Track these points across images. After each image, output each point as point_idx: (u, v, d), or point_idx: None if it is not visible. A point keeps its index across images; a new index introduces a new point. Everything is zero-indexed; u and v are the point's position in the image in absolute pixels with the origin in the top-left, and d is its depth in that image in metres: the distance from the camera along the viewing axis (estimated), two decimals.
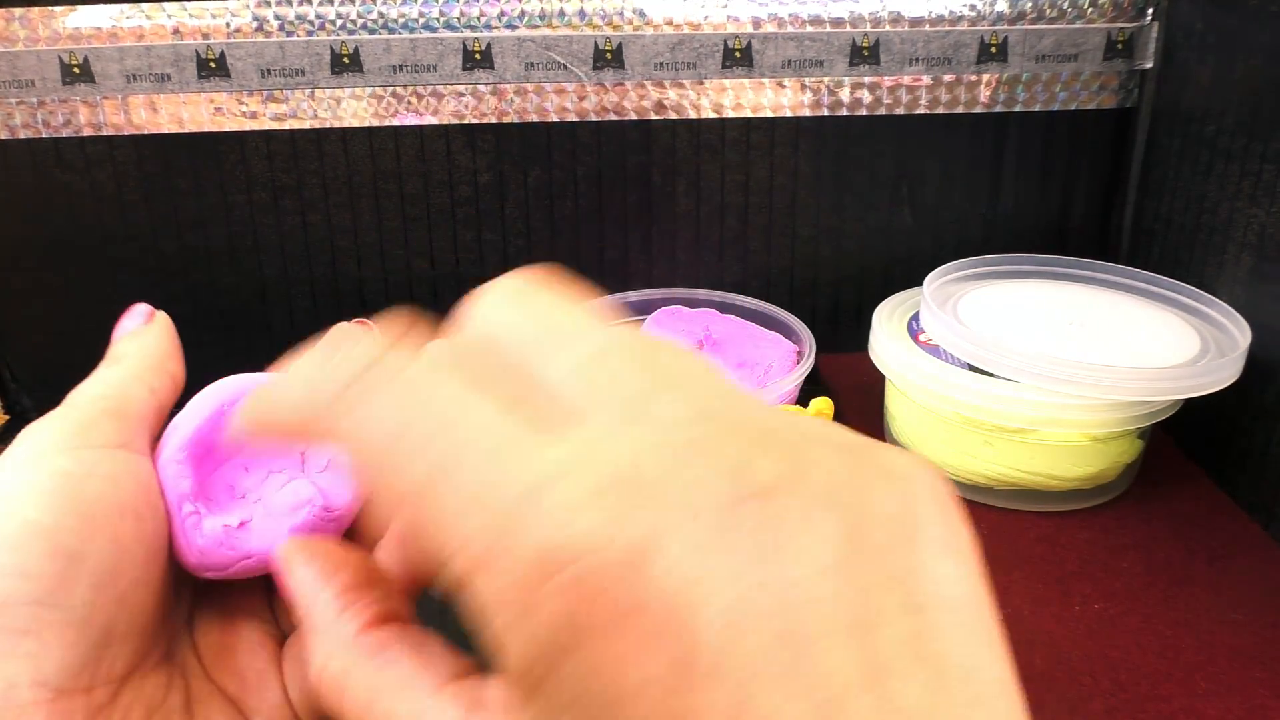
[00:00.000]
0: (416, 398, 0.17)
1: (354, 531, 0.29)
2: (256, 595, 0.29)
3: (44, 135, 0.53)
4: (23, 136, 0.53)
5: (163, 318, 0.29)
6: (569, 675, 0.15)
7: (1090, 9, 0.55)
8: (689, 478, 0.15)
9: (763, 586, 0.15)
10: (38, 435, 0.24)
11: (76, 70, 0.52)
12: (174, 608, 0.27)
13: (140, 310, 0.30)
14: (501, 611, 0.16)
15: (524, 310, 0.19)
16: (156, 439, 0.27)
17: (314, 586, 0.22)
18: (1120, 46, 0.56)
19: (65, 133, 0.53)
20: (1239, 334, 0.45)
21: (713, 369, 0.18)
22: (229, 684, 0.27)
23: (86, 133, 0.53)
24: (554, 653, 0.15)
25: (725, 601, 0.15)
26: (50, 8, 0.51)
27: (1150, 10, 0.55)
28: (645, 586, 0.15)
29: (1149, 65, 0.56)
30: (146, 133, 0.53)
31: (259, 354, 0.57)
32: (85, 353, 0.61)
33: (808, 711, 0.14)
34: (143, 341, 0.28)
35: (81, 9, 0.51)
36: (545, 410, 0.17)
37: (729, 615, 0.15)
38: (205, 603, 0.28)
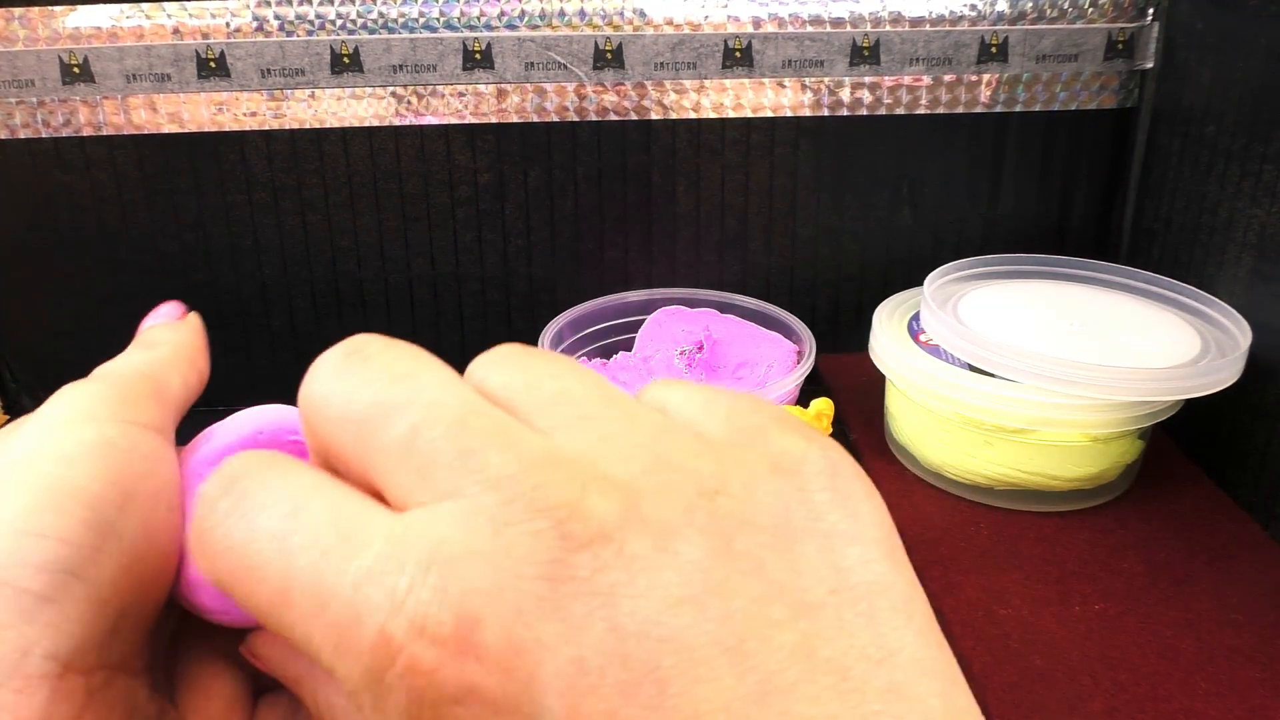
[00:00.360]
0: (271, 494, 0.18)
1: None
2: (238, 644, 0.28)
3: (44, 135, 0.53)
4: (23, 136, 0.53)
5: (195, 316, 0.29)
6: None
7: (1091, 9, 0.55)
8: (510, 539, 0.15)
9: (607, 635, 0.14)
10: (80, 398, 0.23)
11: (76, 70, 0.52)
12: (164, 623, 0.26)
13: (171, 307, 0.29)
14: (361, 705, 0.15)
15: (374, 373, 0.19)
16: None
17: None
18: (1121, 47, 0.56)
19: (65, 133, 0.53)
20: (1239, 334, 0.45)
21: (584, 385, 0.18)
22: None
23: (86, 133, 0.53)
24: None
25: (560, 663, 0.14)
26: (50, 7, 0.51)
27: (1151, 10, 0.55)
28: (477, 662, 0.14)
29: (1149, 65, 0.56)
30: (146, 133, 0.53)
31: (259, 354, 0.58)
32: (85, 353, 0.61)
33: None
34: (177, 332, 0.28)
35: (81, 9, 0.51)
36: (405, 486, 0.16)
37: (567, 677, 0.14)
38: (187, 635, 0.26)
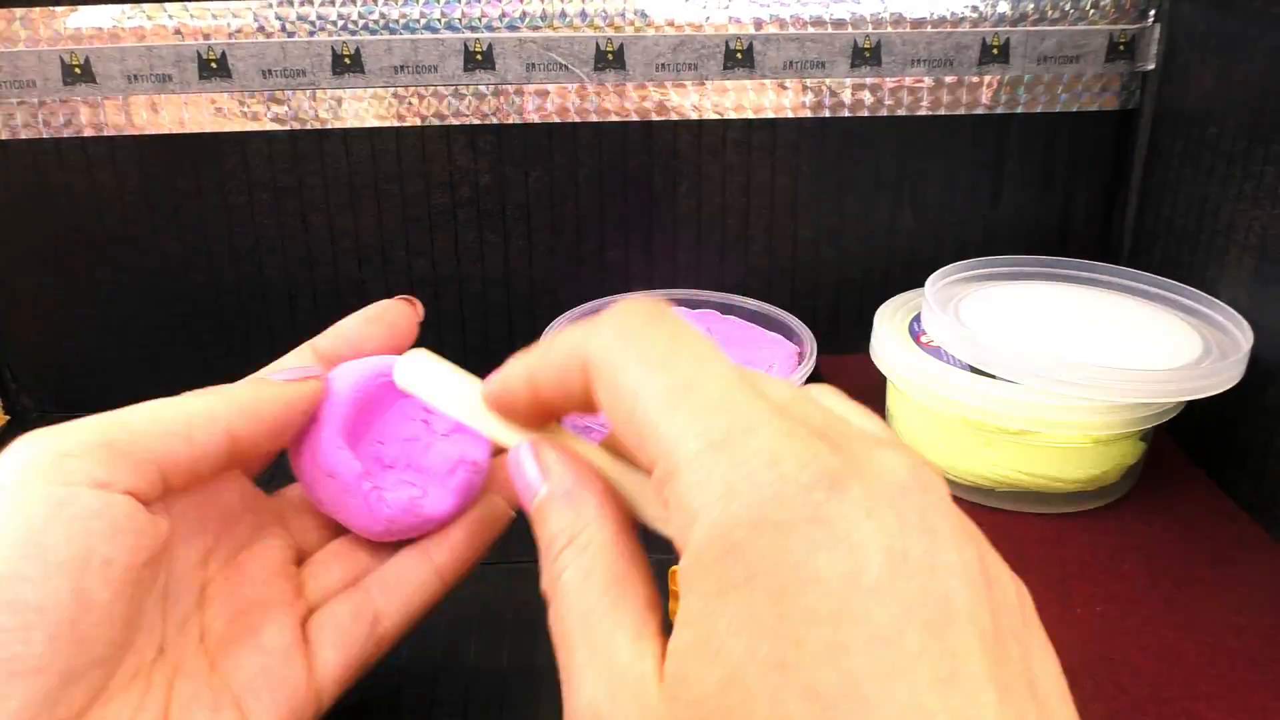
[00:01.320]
0: (672, 329, 0.22)
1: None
2: (278, 577, 0.30)
3: (45, 136, 0.53)
4: (24, 137, 0.53)
5: (309, 388, 0.29)
6: (753, 552, 0.19)
7: (1092, 10, 0.55)
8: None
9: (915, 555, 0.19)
10: (17, 460, 0.24)
11: (78, 70, 0.52)
12: (166, 611, 0.27)
13: (304, 368, 0.30)
14: (703, 494, 0.20)
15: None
16: (188, 486, 0.27)
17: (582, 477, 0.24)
18: (1122, 48, 0.56)
19: (66, 133, 0.53)
20: (1241, 336, 0.45)
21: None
22: (243, 670, 0.27)
23: (88, 133, 0.53)
24: (744, 531, 0.19)
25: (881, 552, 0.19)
26: (51, 8, 0.51)
27: (1152, 12, 0.55)
28: (836, 508, 0.19)
29: (1151, 67, 0.56)
30: (148, 133, 0.53)
31: (260, 355, 0.57)
32: (86, 353, 0.61)
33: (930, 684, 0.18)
34: (239, 395, 0.28)
35: (83, 9, 0.51)
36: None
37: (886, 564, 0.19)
38: (223, 587, 0.29)
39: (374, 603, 0.30)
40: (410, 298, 0.34)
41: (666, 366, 0.21)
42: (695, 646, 0.19)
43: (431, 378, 0.29)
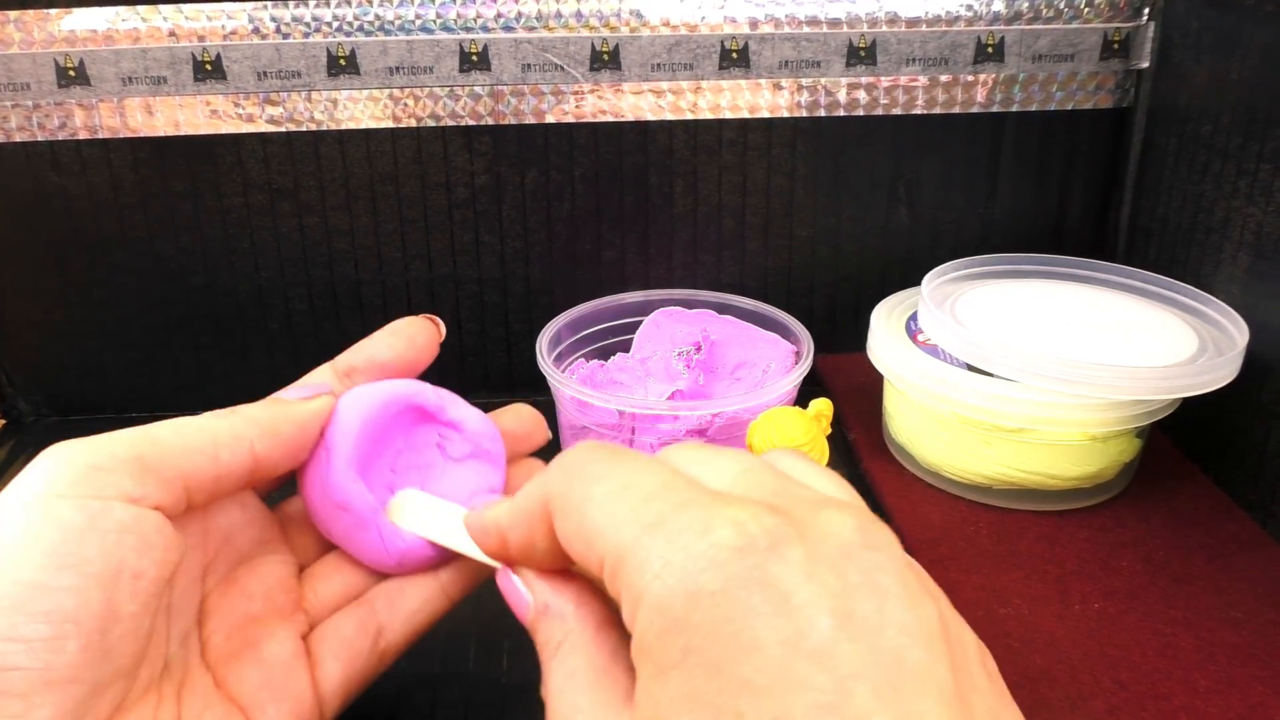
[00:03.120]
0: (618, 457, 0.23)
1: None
2: (277, 591, 0.30)
3: (39, 139, 0.53)
4: (18, 140, 0.53)
5: (322, 405, 0.30)
6: (690, 625, 0.19)
7: (1086, 9, 0.55)
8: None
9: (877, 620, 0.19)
10: (50, 471, 0.24)
11: (72, 73, 0.52)
12: (171, 623, 0.27)
13: (318, 385, 0.31)
14: (642, 575, 0.20)
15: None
16: (208, 503, 0.27)
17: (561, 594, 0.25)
18: (1116, 46, 0.56)
19: (61, 136, 0.53)
20: (1237, 333, 0.45)
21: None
22: (247, 683, 0.28)
23: (82, 136, 0.53)
24: (680, 604, 0.19)
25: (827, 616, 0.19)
26: (45, 10, 0.51)
27: (1146, 10, 0.55)
28: (773, 570, 0.19)
29: (1145, 65, 0.56)
30: (143, 135, 0.53)
31: (256, 356, 0.57)
32: (82, 357, 0.61)
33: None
34: (258, 415, 0.28)
35: (77, 11, 0.51)
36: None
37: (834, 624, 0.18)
38: (221, 602, 0.29)
39: (378, 617, 0.30)
40: (433, 316, 0.34)
41: (605, 478, 0.22)
42: None
43: (423, 512, 0.30)
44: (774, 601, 0.19)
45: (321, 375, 0.32)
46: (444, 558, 0.30)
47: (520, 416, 0.34)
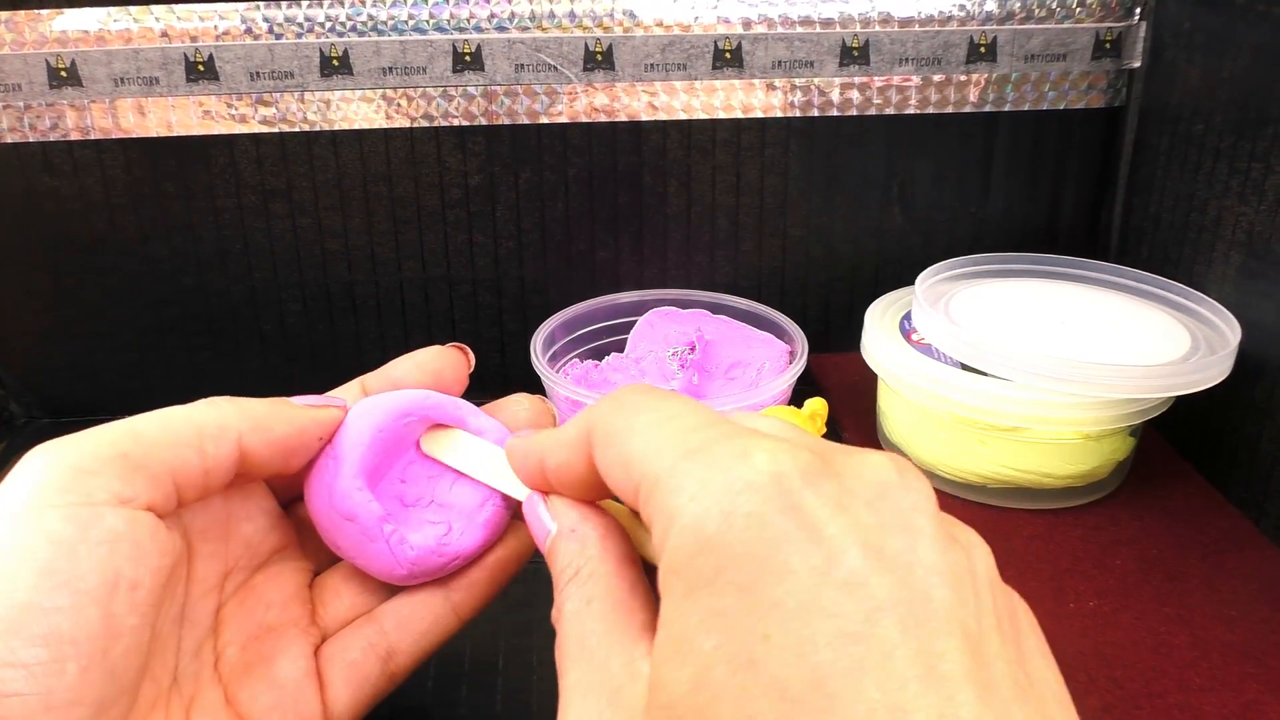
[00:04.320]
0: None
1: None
2: (294, 600, 0.30)
3: (31, 140, 0.52)
4: (9, 141, 0.52)
5: (325, 415, 0.29)
6: (723, 545, 0.19)
7: (1078, 9, 0.55)
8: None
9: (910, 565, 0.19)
10: (35, 478, 0.23)
11: (64, 74, 0.52)
12: (181, 636, 0.27)
13: (329, 396, 0.30)
14: (677, 497, 0.20)
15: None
16: (197, 499, 0.26)
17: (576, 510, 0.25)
18: (1108, 46, 0.56)
19: (53, 137, 0.53)
20: (1229, 331, 0.45)
21: None
22: (258, 703, 0.27)
23: (74, 137, 0.53)
24: (714, 525, 0.19)
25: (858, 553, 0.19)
26: (37, 10, 0.51)
27: (1138, 10, 0.55)
28: (808, 499, 0.19)
29: (1137, 65, 0.56)
30: (135, 136, 0.53)
31: (249, 358, 0.57)
32: (74, 358, 0.61)
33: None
34: (254, 409, 0.28)
35: (68, 12, 0.51)
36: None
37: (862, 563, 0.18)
38: (238, 610, 0.28)
39: (388, 638, 0.29)
40: (463, 346, 0.33)
41: (649, 409, 0.22)
42: (667, 649, 0.19)
43: (458, 445, 0.30)
44: (806, 529, 0.19)
45: (351, 390, 0.31)
46: (460, 560, 0.30)
47: (519, 414, 0.34)
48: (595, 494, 0.25)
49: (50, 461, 0.24)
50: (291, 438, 0.28)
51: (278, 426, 0.28)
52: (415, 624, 0.30)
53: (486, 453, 0.30)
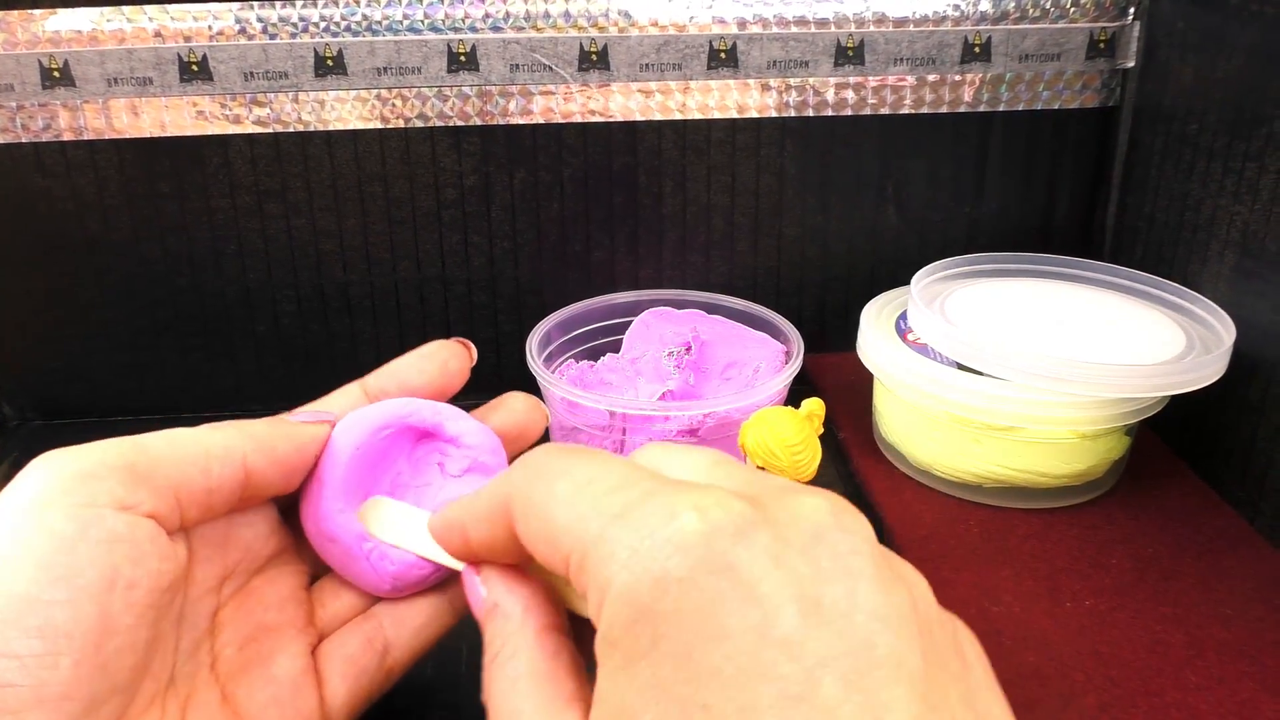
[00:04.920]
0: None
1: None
2: (291, 602, 0.30)
3: (23, 140, 0.52)
4: (2, 142, 0.52)
5: (321, 432, 0.29)
6: (659, 614, 0.18)
7: (1072, 8, 0.55)
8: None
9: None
10: (39, 480, 0.24)
11: (56, 74, 0.51)
12: (179, 637, 0.27)
13: (320, 412, 0.30)
14: (608, 566, 0.19)
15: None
16: (201, 519, 0.27)
17: (508, 587, 0.25)
18: (1102, 46, 0.56)
19: (45, 137, 0.52)
20: (1223, 330, 0.45)
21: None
22: (255, 700, 0.27)
23: (67, 137, 0.53)
24: (647, 593, 0.19)
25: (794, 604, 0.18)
26: (29, 10, 0.50)
27: (1132, 10, 0.55)
28: (740, 556, 0.19)
29: (1131, 64, 0.56)
30: (128, 137, 0.53)
31: (244, 359, 0.57)
32: (68, 360, 0.61)
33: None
34: (256, 430, 0.28)
35: (61, 12, 0.51)
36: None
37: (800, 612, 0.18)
38: (236, 613, 0.28)
39: (384, 633, 0.30)
40: (465, 341, 0.33)
41: (567, 474, 0.22)
42: None
43: (389, 518, 0.30)
44: (741, 588, 0.18)
45: (351, 394, 0.32)
46: (440, 577, 0.30)
47: (514, 412, 0.34)
48: (522, 559, 0.25)
49: (55, 467, 0.24)
50: (293, 456, 0.28)
51: (280, 445, 0.28)
52: (412, 620, 0.30)
53: (417, 523, 0.30)
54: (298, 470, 0.29)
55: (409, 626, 0.30)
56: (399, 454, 0.31)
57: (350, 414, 0.30)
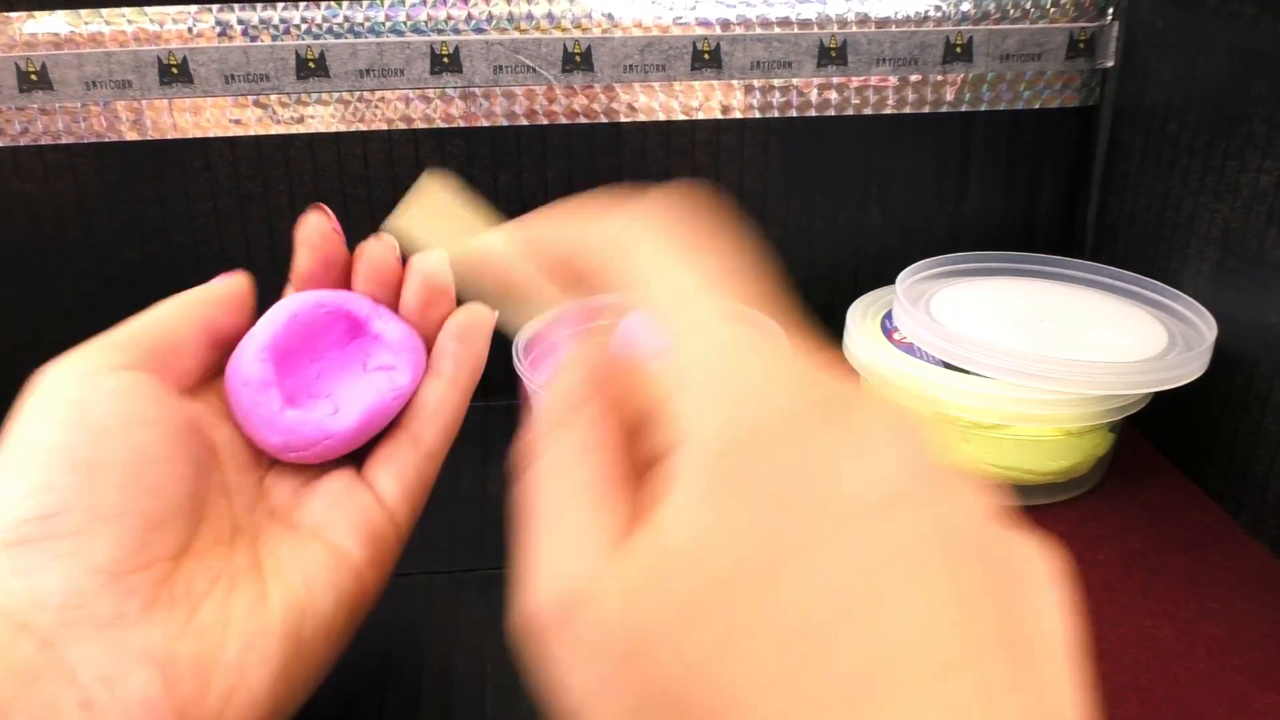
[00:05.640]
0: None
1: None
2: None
3: (1, 145, 0.52)
4: None
5: (238, 280, 0.34)
6: (766, 452, 0.18)
7: (1052, 9, 0.56)
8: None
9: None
10: (51, 374, 0.28)
11: (34, 77, 0.51)
12: (231, 503, 0.30)
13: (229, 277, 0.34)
14: (741, 397, 0.19)
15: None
16: (191, 364, 0.31)
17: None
18: (1082, 46, 0.57)
19: (23, 141, 0.52)
20: (1205, 327, 0.46)
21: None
22: (312, 511, 0.31)
23: (45, 141, 0.52)
24: (760, 430, 0.18)
25: None
26: (6, 14, 0.50)
27: (1111, 10, 0.56)
28: (855, 418, 0.19)
29: (1110, 64, 0.57)
30: (108, 140, 0.52)
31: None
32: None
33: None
34: (202, 291, 0.33)
35: (39, 15, 0.50)
36: None
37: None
38: (277, 481, 0.32)
39: (413, 428, 0.33)
40: (319, 205, 0.36)
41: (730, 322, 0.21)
42: (686, 544, 0.18)
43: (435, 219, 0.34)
44: (859, 447, 0.18)
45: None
46: (334, 438, 0.32)
47: (461, 314, 0.35)
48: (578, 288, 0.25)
49: (58, 362, 0.29)
50: (235, 306, 0.33)
51: (222, 295, 0.33)
52: (428, 406, 0.33)
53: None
54: (244, 318, 0.33)
55: (426, 414, 0.33)
56: (333, 344, 0.34)
57: (293, 295, 0.34)
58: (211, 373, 0.32)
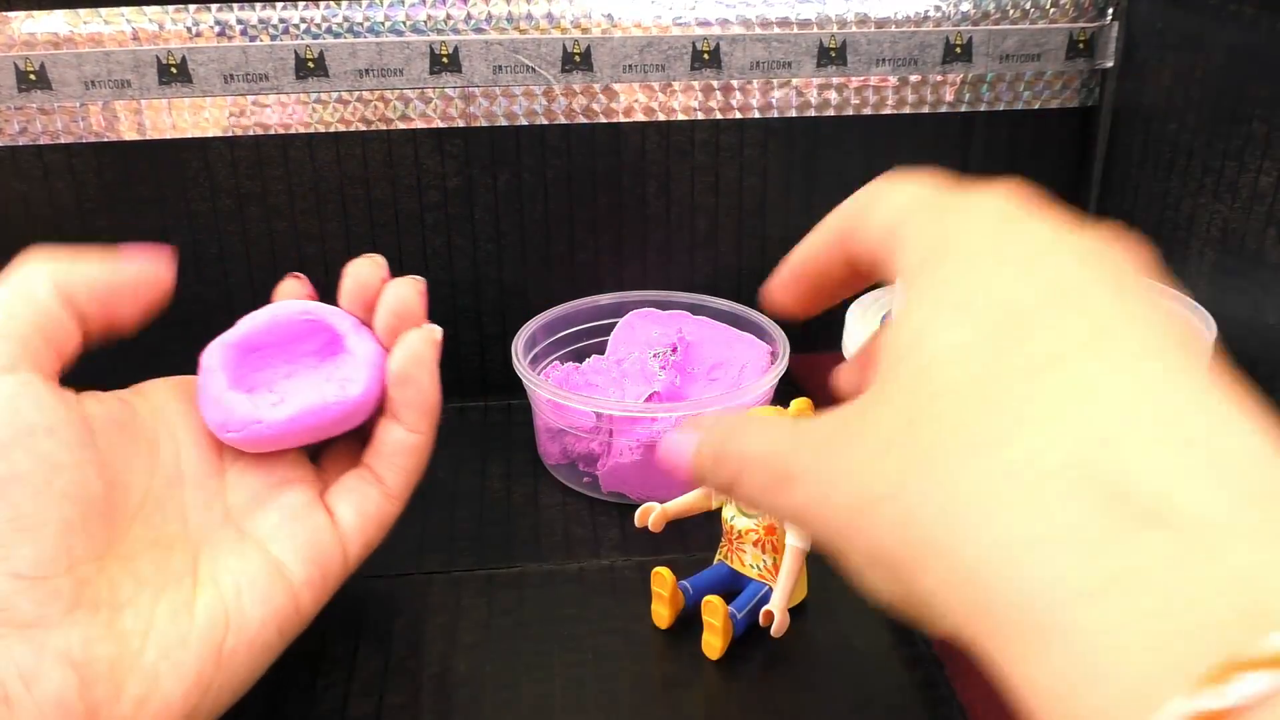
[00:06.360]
0: None
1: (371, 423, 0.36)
2: (296, 464, 0.35)
3: None
4: None
5: (142, 269, 0.34)
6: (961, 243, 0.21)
7: (1052, 9, 0.56)
8: None
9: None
10: None
11: (32, 77, 0.51)
12: (184, 496, 0.31)
13: (154, 256, 0.35)
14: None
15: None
16: (66, 346, 0.31)
17: None
18: (1082, 46, 0.57)
19: (21, 141, 0.52)
20: (1204, 328, 0.46)
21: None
22: (266, 523, 0.32)
23: (43, 141, 0.52)
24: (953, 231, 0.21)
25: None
26: (4, 13, 0.50)
27: (1110, 10, 0.56)
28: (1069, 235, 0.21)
29: (1110, 64, 0.57)
30: (107, 140, 0.52)
31: None
32: None
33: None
34: (80, 271, 0.32)
35: (38, 14, 0.50)
36: None
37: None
38: (241, 477, 0.33)
39: (376, 467, 0.35)
40: (375, 256, 0.38)
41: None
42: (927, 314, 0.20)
43: None
44: (1020, 237, 0.21)
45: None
46: (270, 428, 0.33)
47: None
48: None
49: None
50: (116, 290, 0.33)
51: (98, 279, 0.32)
52: (389, 447, 0.35)
53: None
54: (127, 303, 0.33)
55: (387, 457, 0.35)
56: (312, 353, 0.36)
57: (282, 301, 0.36)
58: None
